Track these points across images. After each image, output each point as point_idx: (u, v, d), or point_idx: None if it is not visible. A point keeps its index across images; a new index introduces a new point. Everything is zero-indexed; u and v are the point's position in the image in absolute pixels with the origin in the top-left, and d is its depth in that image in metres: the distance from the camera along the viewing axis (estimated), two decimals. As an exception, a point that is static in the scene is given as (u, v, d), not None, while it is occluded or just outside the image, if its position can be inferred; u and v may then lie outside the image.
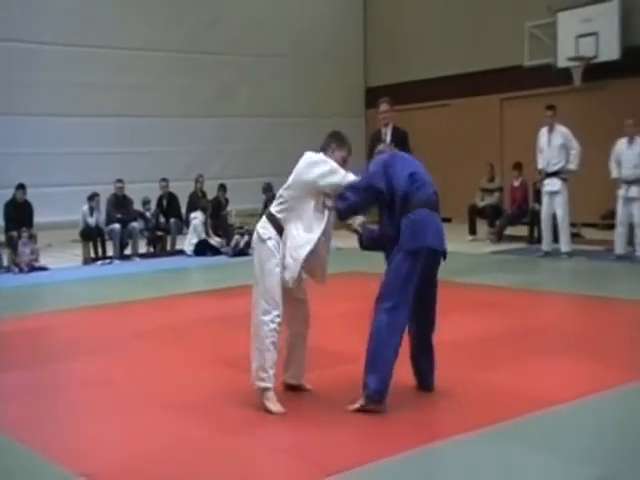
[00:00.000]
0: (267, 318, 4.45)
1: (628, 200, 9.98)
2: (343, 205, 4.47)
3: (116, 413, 4.51)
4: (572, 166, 10.36)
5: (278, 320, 4.46)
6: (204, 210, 12.78)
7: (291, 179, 4.53)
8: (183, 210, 13.46)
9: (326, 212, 4.52)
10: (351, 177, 4.50)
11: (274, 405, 4.36)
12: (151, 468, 3.66)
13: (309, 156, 4.58)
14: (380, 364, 4.25)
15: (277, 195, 4.60)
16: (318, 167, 4.47)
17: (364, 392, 4.29)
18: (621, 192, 10.06)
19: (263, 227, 4.52)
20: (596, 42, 13.88)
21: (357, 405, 4.30)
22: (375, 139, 7.57)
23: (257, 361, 4.45)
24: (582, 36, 14.03)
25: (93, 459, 3.80)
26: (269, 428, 4.16)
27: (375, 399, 4.25)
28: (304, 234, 4.43)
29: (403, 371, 4.69)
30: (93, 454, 3.87)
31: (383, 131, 7.81)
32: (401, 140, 7.38)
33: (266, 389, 4.40)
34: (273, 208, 4.55)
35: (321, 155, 4.59)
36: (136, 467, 3.68)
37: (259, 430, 4.12)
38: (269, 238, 4.45)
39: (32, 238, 11.34)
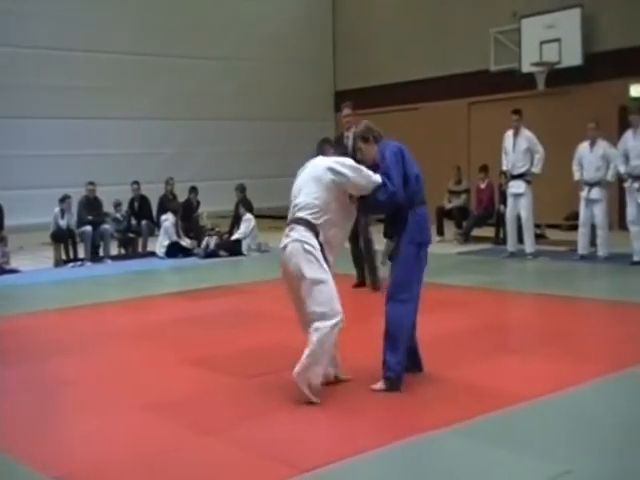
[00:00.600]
0: (333, 322, 4.53)
1: (590, 202, 10.25)
2: (385, 196, 4.72)
3: (88, 414, 4.54)
4: (536, 170, 10.62)
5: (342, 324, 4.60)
6: (175, 212, 12.84)
7: (313, 185, 4.65)
8: (155, 212, 13.51)
9: (353, 210, 4.82)
10: (370, 173, 4.75)
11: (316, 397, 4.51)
12: (123, 468, 3.70)
13: (328, 160, 4.77)
14: (401, 348, 4.70)
15: (302, 203, 4.62)
16: (345, 168, 4.67)
17: (387, 374, 4.67)
18: (583, 194, 10.33)
19: (305, 237, 4.54)
20: (559, 48, 14.21)
21: (379, 385, 4.67)
22: (338, 142, 7.79)
23: (321, 363, 4.53)
24: (546, 42, 14.36)
25: (65, 460, 3.82)
26: (241, 427, 4.21)
27: (396, 378, 4.66)
28: (340, 234, 4.74)
29: (368, 372, 4.83)
30: (65, 455, 3.89)
31: (345, 134, 8.01)
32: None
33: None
34: (307, 215, 4.59)
35: (338, 158, 4.82)
36: (108, 467, 3.71)
37: (231, 429, 4.18)
38: (314, 248, 4.53)
39: (3, 240, 11.31)
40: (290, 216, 4.70)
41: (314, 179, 4.66)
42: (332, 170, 4.65)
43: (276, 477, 3.53)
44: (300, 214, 4.61)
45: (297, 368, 4.50)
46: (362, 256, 8.49)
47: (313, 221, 4.58)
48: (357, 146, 5.05)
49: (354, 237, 8.16)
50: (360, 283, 8.61)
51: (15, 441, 4.10)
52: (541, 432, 4.03)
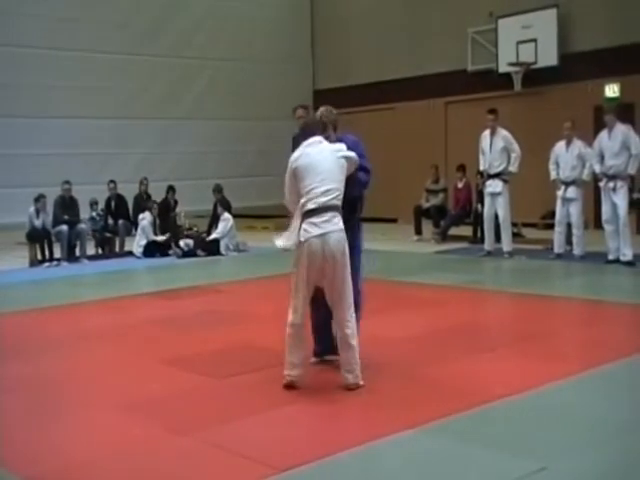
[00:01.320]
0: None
1: (566, 200, 10.34)
2: (367, 177, 5.05)
3: (62, 414, 4.51)
4: (513, 169, 10.68)
5: None
6: (150, 211, 12.76)
7: (337, 171, 4.69)
8: (131, 212, 13.43)
9: None
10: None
11: None
12: (97, 468, 3.68)
13: (338, 146, 4.85)
14: None
15: (334, 189, 4.62)
16: (349, 152, 4.82)
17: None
18: (559, 193, 10.41)
19: (343, 228, 4.64)
20: (535, 48, 14.33)
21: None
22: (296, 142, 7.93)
23: (355, 357, 4.69)
24: (522, 42, 14.47)
25: (38, 460, 3.79)
26: (217, 427, 4.20)
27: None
28: None
29: (329, 368, 4.83)
30: (38, 455, 3.86)
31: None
32: None
33: None
34: (338, 202, 4.64)
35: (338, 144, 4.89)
36: (82, 467, 3.69)
37: (207, 429, 4.17)
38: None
39: (-23, 240, 11.20)
40: (318, 201, 4.58)
41: (336, 164, 4.70)
42: (344, 155, 4.77)
43: (252, 477, 3.52)
44: (334, 202, 4.63)
45: (358, 375, 4.68)
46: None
47: (340, 206, 4.68)
48: (327, 132, 5.00)
49: None
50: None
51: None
52: (515, 430, 4.05)
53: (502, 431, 4.06)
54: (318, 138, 4.83)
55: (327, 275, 4.64)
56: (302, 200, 4.64)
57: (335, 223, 4.61)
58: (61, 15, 15.28)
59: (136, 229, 12.80)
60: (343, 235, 4.63)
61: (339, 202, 4.66)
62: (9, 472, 3.63)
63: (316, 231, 4.57)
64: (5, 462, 3.74)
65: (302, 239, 4.58)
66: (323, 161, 4.70)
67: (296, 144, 5.05)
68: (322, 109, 5.15)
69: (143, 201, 13.35)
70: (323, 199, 4.60)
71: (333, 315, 4.79)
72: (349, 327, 4.69)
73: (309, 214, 4.60)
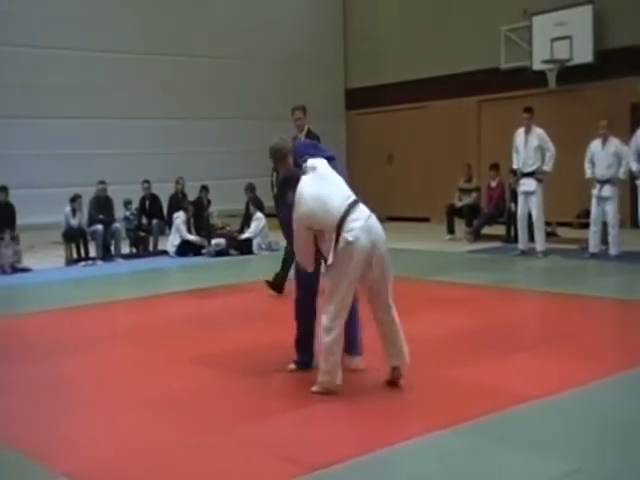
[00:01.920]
0: None
1: (601, 199, 10.21)
2: None
3: (94, 412, 4.57)
4: (547, 168, 10.58)
5: None
6: (186, 210, 12.87)
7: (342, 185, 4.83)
8: (166, 211, 13.55)
9: None
10: None
11: None
12: (130, 465, 3.72)
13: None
14: None
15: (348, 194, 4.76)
16: None
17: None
18: (595, 192, 10.28)
19: None
20: (570, 45, 14.16)
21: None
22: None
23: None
24: (557, 39, 14.30)
25: (73, 458, 3.83)
26: (248, 425, 4.22)
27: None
28: None
29: (375, 370, 4.82)
30: (72, 453, 3.91)
31: (299, 136, 8.31)
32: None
33: None
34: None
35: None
36: (115, 464, 3.73)
37: (238, 427, 4.19)
38: None
39: (15, 239, 11.38)
40: (349, 204, 4.63)
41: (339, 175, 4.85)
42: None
43: (282, 476, 3.53)
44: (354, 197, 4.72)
45: (406, 356, 4.70)
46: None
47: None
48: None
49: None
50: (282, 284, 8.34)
51: (25, 438, 4.13)
52: (549, 431, 4.02)
53: (536, 432, 4.02)
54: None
55: (376, 262, 4.59)
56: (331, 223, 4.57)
57: (366, 210, 4.67)
58: (98, 18, 15.47)
59: (170, 228, 12.92)
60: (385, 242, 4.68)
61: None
62: (45, 467, 3.69)
63: (359, 224, 4.55)
64: (42, 458, 3.81)
65: (351, 239, 4.51)
66: (335, 178, 4.82)
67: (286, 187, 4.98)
68: (277, 140, 5.14)
69: (178, 200, 13.46)
70: (348, 201, 4.65)
71: (380, 301, 4.70)
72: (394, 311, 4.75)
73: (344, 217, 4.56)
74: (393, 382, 4.73)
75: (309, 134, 8.40)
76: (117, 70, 15.72)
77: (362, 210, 4.66)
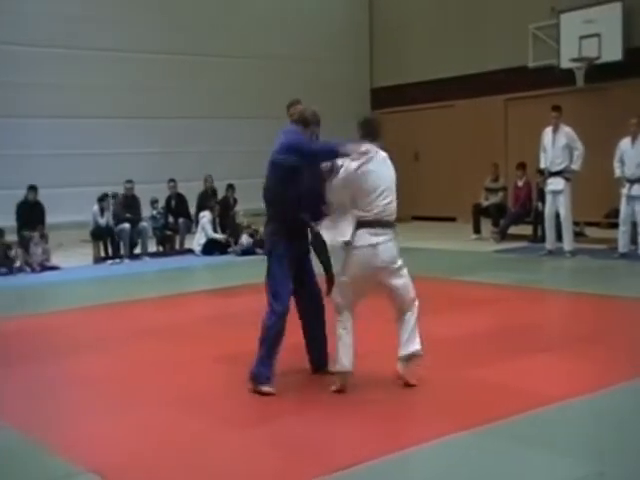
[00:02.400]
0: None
1: (631, 198, 10.08)
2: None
3: (120, 409, 4.62)
4: (575, 166, 10.47)
5: None
6: (212, 210, 12.94)
7: (394, 188, 4.90)
8: (192, 210, 13.63)
9: None
10: None
11: None
12: (155, 462, 3.75)
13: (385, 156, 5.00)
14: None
15: (392, 205, 4.80)
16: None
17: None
18: (624, 191, 10.16)
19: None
20: (599, 43, 13.99)
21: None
22: None
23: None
24: (585, 37, 14.14)
25: (100, 454, 3.88)
26: (271, 424, 4.24)
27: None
28: None
29: (384, 367, 4.80)
30: (99, 450, 3.95)
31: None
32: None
33: None
34: (392, 218, 4.83)
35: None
36: (141, 461, 3.77)
37: (260, 426, 4.21)
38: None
39: (44, 238, 11.53)
40: (378, 212, 4.65)
41: (393, 182, 4.82)
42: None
43: (305, 475, 3.54)
44: (389, 218, 4.70)
45: (419, 345, 4.76)
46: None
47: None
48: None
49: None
50: None
51: (52, 435, 4.18)
52: (572, 433, 4.00)
53: (559, 434, 4.00)
54: (374, 147, 4.82)
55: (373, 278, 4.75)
56: (360, 210, 4.65)
57: (386, 234, 4.68)
58: (124, 18, 15.61)
59: (197, 226, 12.99)
60: (392, 243, 4.71)
61: (391, 217, 4.73)
62: (73, 464, 3.74)
63: (372, 242, 4.62)
64: (69, 454, 3.85)
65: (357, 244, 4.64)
66: (385, 172, 4.79)
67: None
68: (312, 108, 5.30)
69: (208, 198, 13.51)
70: (378, 209, 4.66)
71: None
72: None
73: (365, 225, 4.63)
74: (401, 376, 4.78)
75: None
76: (146, 70, 15.84)
77: (381, 234, 4.66)
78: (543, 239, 11.24)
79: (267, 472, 3.63)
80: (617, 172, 10.26)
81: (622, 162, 10.19)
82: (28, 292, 9.57)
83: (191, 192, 13.84)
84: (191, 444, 3.96)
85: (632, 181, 10.06)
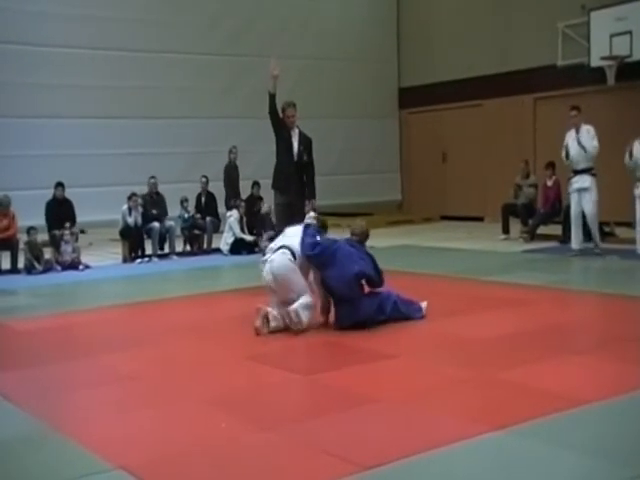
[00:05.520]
0: None
1: None
2: None
3: (149, 407, 4.64)
4: (588, 145, 10.32)
5: None
6: (238, 209, 12.98)
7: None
8: (220, 210, 13.69)
9: None
10: None
11: None
12: (185, 460, 3.75)
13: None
14: None
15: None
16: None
17: None
18: (637, 191, 10.12)
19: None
20: (630, 41, 13.80)
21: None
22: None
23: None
24: (616, 35, 13.96)
25: (129, 452, 3.89)
26: (302, 423, 4.24)
27: None
28: None
29: (414, 368, 4.79)
30: (129, 447, 3.97)
31: (291, 133, 8.50)
32: (308, 144, 8.50)
33: None
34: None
35: None
36: (171, 459, 3.78)
37: (292, 424, 4.21)
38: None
39: (73, 236, 11.65)
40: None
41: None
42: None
43: (336, 474, 3.53)
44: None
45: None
46: None
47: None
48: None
49: None
50: None
51: (82, 431, 4.21)
52: (606, 436, 3.93)
53: (593, 436, 3.94)
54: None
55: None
56: None
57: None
58: (148, 19, 15.76)
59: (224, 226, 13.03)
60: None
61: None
62: (103, 460, 3.77)
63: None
64: (99, 450, 3.89)
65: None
66: None
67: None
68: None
69: (232, 169, 13.90)
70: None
71: None
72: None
73: None
74: None
75: (302, 135, 8.57)
76: (175, 72, 15.97)
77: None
78: (568, 239, 11.08)
79: (298, 470, 3.64)
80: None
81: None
82: (59, 290, 9.67)
83: (220, 191, 13.93)
84: (222, 443, 3.97)
85: None
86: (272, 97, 8.34)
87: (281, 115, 8.47)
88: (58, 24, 14.72)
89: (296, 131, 8.52)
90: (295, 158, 8.44)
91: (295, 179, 8.46)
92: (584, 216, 10.55)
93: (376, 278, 6.37)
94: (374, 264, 6.39)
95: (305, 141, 8.56)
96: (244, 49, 16.73)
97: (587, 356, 5.47)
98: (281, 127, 8.43)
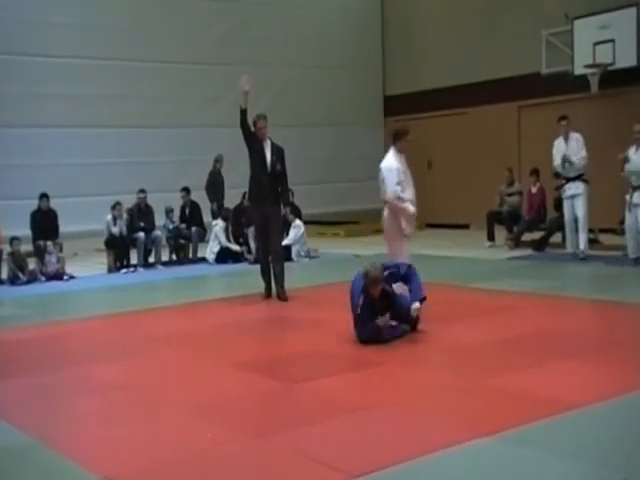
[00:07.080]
0: None
1: (634, 206, 10.04)
2: None
3: (135, 417, 4.61)
4: (575, 158, 10.50)
5: None
6: (225, 219, 12.94)
7: None
8: (205, 219, 13.64)
9: None
10: None
11: None
12: (172, 470, 3.73)
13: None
14: None
15: None
16: None
17: None
18: (627, 197, 10.19)
19: None
20: (613, 49, 13.92)
21: None
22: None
23: None
24: (599, 43, 14.07)
25: (114, 462, 3.86)
26: (288, 431, 4.22)
27: None
28: None
29: (402, 375, 4.79)
30: (114, 457, 3.94)
31: (263, 145, 8.62)
32: (280, 154, 8.61)
33: None
34: None
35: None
36: (157, 469, 3.75)
37: (279, 433, 4.19)
38: None
39: (57, 246, 11.56)
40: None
41: None
42: None
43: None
44: None
45: None
46: (269, 269, 8.79)
47: None
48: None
49: (265, 251, 8.80)
50: (268, 295, 8.80)
51: (68, 442, 4.18)
52: (594, 440, 3.94)
53: (581, 441, 3.95)
54: None
55: None
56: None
57: None
58: (134, 28, 15.74)
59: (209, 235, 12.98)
60: None
61: None
62: (88, 470, 3.73)
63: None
64: (84, 461, 3.84)
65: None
66: None
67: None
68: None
69: (216, 175, 13.82)
70: None
71: None
72: None
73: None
74: None
75: (274, 146, 8.70)
76: (159, 81, 15.95)
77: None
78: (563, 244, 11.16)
79: (287, 479, 3.61)
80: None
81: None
82: (43, 301, 9.59)
83: (206, 201, 13.89)
84: (210, 451, 3.94)
85: (635, 188, 10.03)
86: (243, 112, 8.49)
87: (252, 128, 8.54)
88: (41, 32, 14.64)
89: (268, 142, 8.67)
90: (269, 169, 8.56)
91: (269, 190, 8.57)
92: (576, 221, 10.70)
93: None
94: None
95: (277, 152, 8.70)
96: (230, 58, 16.71)
97: (576, 361, 5.48)
98: (253, 140, 8.57)
